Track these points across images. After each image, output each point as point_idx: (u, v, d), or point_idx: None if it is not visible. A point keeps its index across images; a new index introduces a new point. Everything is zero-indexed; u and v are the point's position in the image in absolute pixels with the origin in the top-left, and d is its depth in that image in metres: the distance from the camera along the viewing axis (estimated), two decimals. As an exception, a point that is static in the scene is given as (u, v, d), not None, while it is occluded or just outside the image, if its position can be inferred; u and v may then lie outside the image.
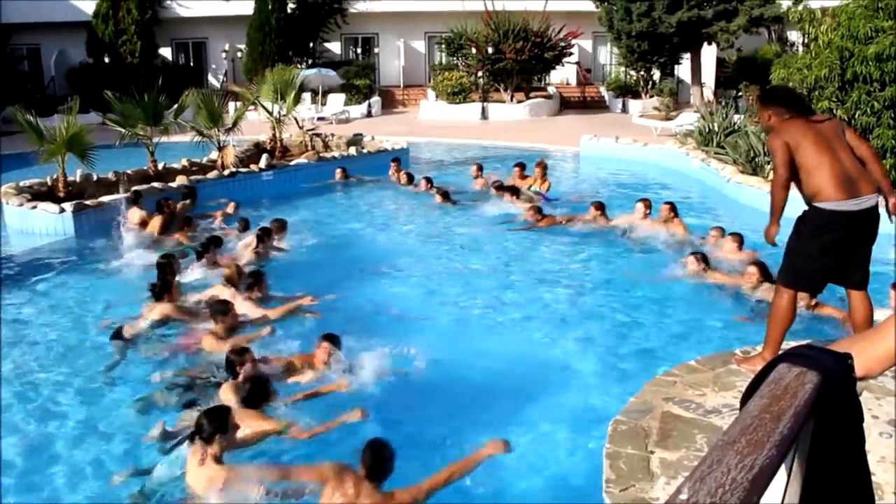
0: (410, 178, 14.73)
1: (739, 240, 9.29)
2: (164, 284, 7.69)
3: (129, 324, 7.42)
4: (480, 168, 14.99)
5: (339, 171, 15.26)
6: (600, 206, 11.33)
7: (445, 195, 13.20)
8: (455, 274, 9.64)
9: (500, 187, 13.03)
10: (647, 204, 10.91)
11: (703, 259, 8.63)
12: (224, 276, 8.30)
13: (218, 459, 4.70)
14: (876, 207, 4.84)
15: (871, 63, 10.78)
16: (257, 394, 5.39)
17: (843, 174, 4.74)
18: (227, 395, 5.60)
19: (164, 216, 11.33)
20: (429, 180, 14.27)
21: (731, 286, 8.21)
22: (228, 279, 8.16)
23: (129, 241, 10.50)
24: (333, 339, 6.32)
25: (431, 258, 10.40)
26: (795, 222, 5.03)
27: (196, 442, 4.75)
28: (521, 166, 14.27)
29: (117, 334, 7.30)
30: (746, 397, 1.51)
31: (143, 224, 11.39)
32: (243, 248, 9.90)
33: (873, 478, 3.72)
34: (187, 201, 12.37)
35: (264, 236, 9.87)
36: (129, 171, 13.75)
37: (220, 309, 6.98)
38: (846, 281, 5.07)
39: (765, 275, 7.77)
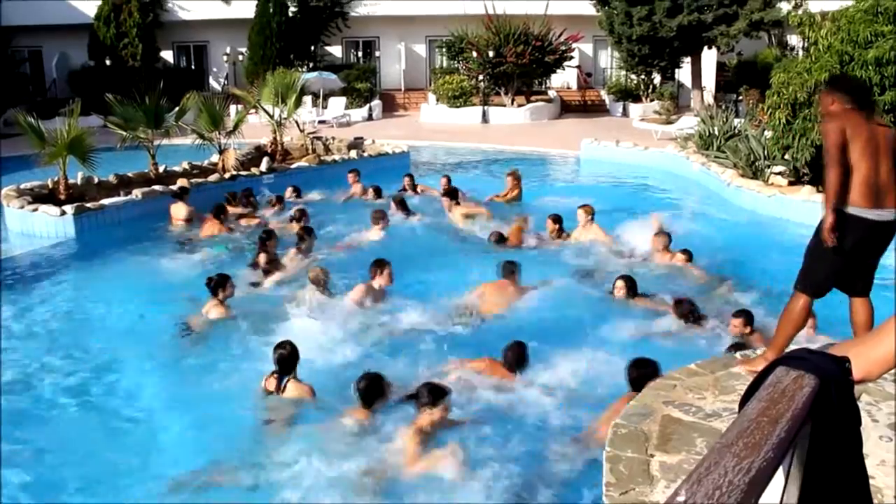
0: (370, 189, 13.55)
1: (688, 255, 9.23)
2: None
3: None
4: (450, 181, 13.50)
5: (289, 189, 13.76)
6: (558, 220, 10.80)
7: (402, 203, 12.17)
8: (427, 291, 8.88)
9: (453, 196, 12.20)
10: (589, 210, 10.56)
11: (631, 286, 8.21)
12: (311, 277, 8.34)
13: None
14: (894, 221, 4.84)
15: (870, 67, 10.79)
16: (373, 392, 5.61)
17: (874, 183, 4.75)
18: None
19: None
20: (405, 195, 13.03)
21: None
22: (315, 281, 8.25)
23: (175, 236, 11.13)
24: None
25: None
26: (817, 226, 4.98)
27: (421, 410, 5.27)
28: (447, 178, 13.56)
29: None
30: (745, 400, 1.52)
31: (189, 220, 11.74)
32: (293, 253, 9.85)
33: (873, 481, 3.73)
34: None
35: (306, 235, 9.95)
36: (130, 174, 13.78)
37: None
38: (851, 288, 5.06)
39: (692, 313, 7.56)
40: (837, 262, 4.88)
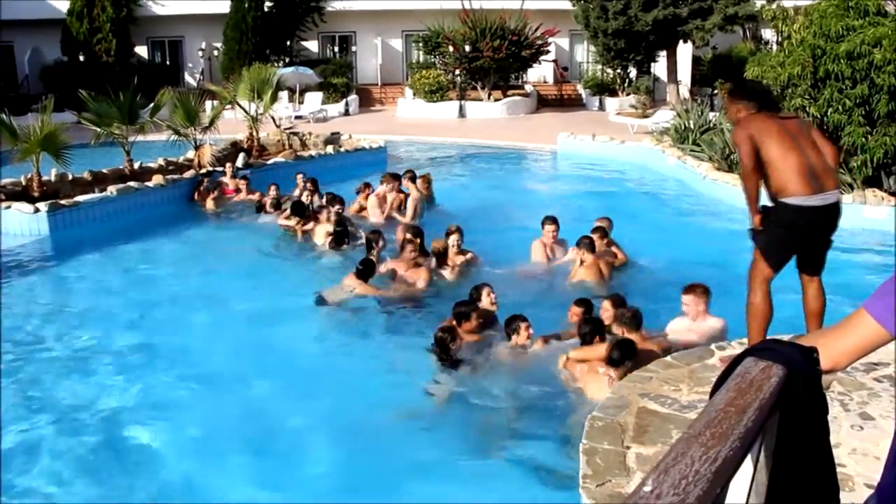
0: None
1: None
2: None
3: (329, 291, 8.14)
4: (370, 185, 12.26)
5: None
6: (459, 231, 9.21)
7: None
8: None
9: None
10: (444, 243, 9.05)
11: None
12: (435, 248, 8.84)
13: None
14: (839, 203, 4.90)
15: (842, 61, 10.90)
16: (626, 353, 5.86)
17: (808, 169, 4.79)
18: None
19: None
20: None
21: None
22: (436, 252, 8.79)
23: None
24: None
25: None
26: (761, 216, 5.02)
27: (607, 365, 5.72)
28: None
29: (320, 300, 8.03)
30: (715, 390, 1.54)
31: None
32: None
33: (845, 469, 3.79)
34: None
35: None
36: (105, 171, 13.65)
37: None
38: (805, 268, 5.11)
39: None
40: (791, 249, 4.95)
